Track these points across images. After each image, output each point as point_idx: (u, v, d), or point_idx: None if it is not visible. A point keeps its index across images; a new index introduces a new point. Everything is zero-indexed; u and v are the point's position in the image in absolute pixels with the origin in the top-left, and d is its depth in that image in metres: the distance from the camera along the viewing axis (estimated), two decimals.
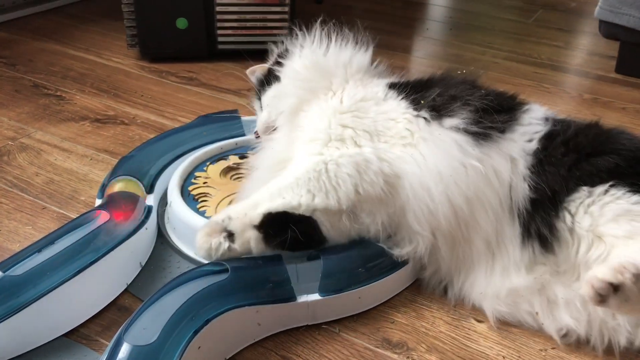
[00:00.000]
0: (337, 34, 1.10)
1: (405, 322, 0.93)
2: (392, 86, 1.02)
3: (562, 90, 1.73)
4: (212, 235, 0.89)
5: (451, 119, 0.93)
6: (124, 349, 0.73)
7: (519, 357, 0.87)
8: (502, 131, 0.92)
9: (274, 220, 0.89)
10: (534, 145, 0.92)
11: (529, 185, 0.89)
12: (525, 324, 0.91)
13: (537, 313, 0.90)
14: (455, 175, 0.89)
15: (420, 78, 1.05)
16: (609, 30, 1.77)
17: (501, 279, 0.91)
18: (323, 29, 1.10)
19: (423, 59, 1.93)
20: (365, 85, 1.03)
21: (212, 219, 0.91)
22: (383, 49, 1.92)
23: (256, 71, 1.20)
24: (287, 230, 0.88)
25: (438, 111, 0.94)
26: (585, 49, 2.08)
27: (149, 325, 0.77)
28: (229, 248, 0.88)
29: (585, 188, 0.86)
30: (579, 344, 0.88)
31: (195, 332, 0.77)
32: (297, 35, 1.12)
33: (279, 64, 1.12)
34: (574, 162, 0.88)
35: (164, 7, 1.69)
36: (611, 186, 0.85)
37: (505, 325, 0.92)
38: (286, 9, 1.76)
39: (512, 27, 2.26)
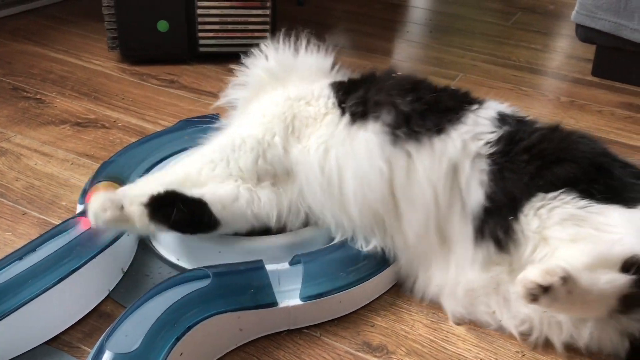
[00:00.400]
0: (302, 41, 1.12)
1: (385, 326, 0.94)
2: (332, 85, 1.06)
3: (540, 93, 1.76)
4: (105, 205, 0.90)
5: (373, 124, 0.96)
6: (106, 357, 0.74)
7: (496, 359, 0.89)
8: (438, 132, 0.94)
9: (162, 199, 0.92)
10: (485, 147, 0.93)
11: (485, 192, 0.91)
12: (485, 323, 0.93)
13: (493, 312, 0.92)
14: (367, 174, 0.93)
15: (359, 77, 1.08)
16: (585, 34, 1.80)
17: (456, 275, 0.93)
18: (289, 36, 1.12)
19: (403, 62, 1.95)
20: (313, 85, 1.07)
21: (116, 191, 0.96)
22: (364, 52, 1.96)
23: None
24: (173, 209, 0.91)
25: (361, 115, 0.98)
26: (563, 51, 2.11)
27: (131, 332, 0.78)
28: (115, 216, 0.90)
29: (540, 194, 0.88)
30: (556, 346, 0.91)
31: (177, 339, 0.78)
32: (265, 44, 1.14)
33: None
34: (536, 169, 0.90)
35: (145, 9, 1.68)
36: (562, 192, 0.87)
37: (482, 327, 0.94)
38: (267, 11, 1.76)
39: (491, 29, 2.29)
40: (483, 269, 0.91)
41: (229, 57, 1.79)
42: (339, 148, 0.97)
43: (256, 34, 1.78)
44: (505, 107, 1.02)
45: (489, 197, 0.90)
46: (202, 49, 1.78)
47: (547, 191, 0.88)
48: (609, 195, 0.87)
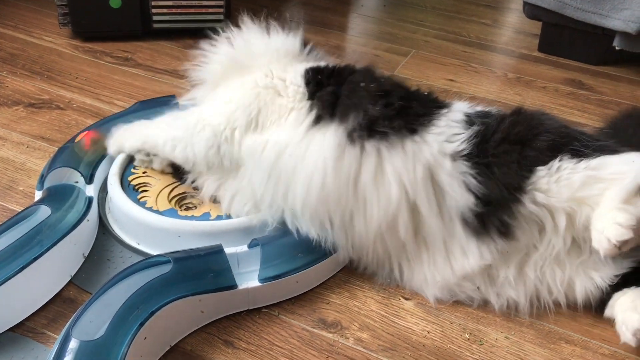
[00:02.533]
0: (268, 22, 1.14)
1: (339, 303, 1.00)
2: (307, 71, 1.06)
3: (489, 70, 1.82)
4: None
5: (337, 126, 0.96)
6: (73, 344, 0.77)
7: (442, 331, 0.96)
8: (410, 133, 0.96)
9: None
10: (460, 147, 0.96)
11: (475, 193, 0.94)
12: (468, 300, 1.00)
13: (478, 287, 0.99)
14: (321, 173, 0.95)
15: (333, 69, 1.07)
16: (532, 11, 1.86)
17: (449, 267, 0.98)
18: (254, 17, 1.14)
19: (358, 38, 1.98)
20: (285, 71, 1.07)
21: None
22: (319, 27, 1.98)
23: None
24: None
25: (328, 116, 0.98)
26: (512, 26, 2.17)
27: (95, 319, 0.81)
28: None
29: (540, 168, 0.94)
30: (495, 315, 0.98)
31: (141, 324, 0.82)
32: (231, 25, 1.16)
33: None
34: (520, 153, 0.95)
35: None
36: (560, 160, 0.94)
37: (429, 302, 1.01)
38: None
39: (443, 3, 2.32)
40: (482, 258, 0.96)
41: (184, 33, 1.80)
42: (295, 147, 0.97)
43: (210, 10, 1.78)
44: (468, 107, 1.05)
45: (482, 196, 0.94)
46: (155, 25, 1.77)
47: (544, 164, 0.94)
48: (591, 151, 0.94)
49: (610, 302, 0.95)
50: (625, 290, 0.94)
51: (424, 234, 0.98)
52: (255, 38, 1.12)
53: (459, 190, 0.95)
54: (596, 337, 0.96)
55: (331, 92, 1.00)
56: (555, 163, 0.94)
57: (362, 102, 0.98)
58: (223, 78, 1.10)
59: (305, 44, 1.14)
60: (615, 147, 0.98)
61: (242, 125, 1.02)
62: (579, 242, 0.96)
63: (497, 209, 0.94)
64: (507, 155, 0.95)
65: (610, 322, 0.95)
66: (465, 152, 0.96)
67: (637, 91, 1.75)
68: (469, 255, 0.97)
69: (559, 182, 0.93)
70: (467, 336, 0.95)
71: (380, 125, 0.96)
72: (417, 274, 1.01)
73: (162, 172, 1.14)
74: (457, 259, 0.98)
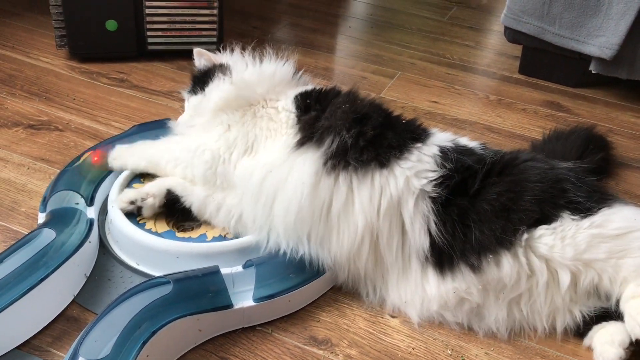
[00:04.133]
0: (262, 51, 1.20)
1: (329, 320, 1.06)
2: (296, 97, 1.13)
3: (471, 92, 1.89)
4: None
5: (314, 150, 1.03)
6: None
7: (426, 347, 1.02)
8: (380, 166, 1.01)
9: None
10: (429, 186, 1.01)
11: (435, 238, 1.00)
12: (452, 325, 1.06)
13: (459, 322, 1.05)
14: (294, 196, 1.01)
15: (321, 93, 1.14)
16: (512, 35, 1.94)
17: (426, 292, 1.03)
18: (249, 48, 1.20)
19: (346, 59, 2.04)
20: (278, 99, 1.14)
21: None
22: (308, 48, 2.04)
23: (203, 56, 1.26)
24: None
25: (308, 139, 1.04)
26: (493, 48, 2.25)
27: (100, 338, 0.86)
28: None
29: (543, 227, 0.98)
30: (476, 332, 1.04)
31: (144, 343, 0.87)
32: (227, 51, 1.22)
33: (210, 77, 1.20)
34: (505, 220, 0.98)
35: (93, 9, 1.71)
36: (561, 220, 0.99)
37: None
38: (215, 11, 1.82)
39: (428, 25, 2.40)
40: (455, 288, 1.01)
41: (177, 55, 1.86)
42: (278, 170, 1.04)
43: (204, 33, 1.84)
44: (447, 140, 1.09)
45: (440, 244, 1.00)
46: (150, 47, 1.83)
47: (548, 223, 0.99)
48: (589, 201, 1.00)
49: (590, 333, 1.02)
50: (604, 323, 1.00)
51: (383, 264, 1.04)
52: (251, 70, 1.18)
53: (418, 231, 1.01)
54: (569, 353, 1.03)
55: (314, 117, 1.07)
56: (557, 223, 0.98)
57: (339, 127, 1.03)
58: (223, 109, 1.14)
59: (297, 70, 1.21)
60: (602, 190, 1.05)
61: (241, 150, 1.10)
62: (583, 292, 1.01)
63: (457, 251, 1.00)
64: (494, 222, 0.99)
65: (590, 349, 1.02)
66: (433, 195, 1.01)
67: (612, 113, 1.84)
68: (430, 284, 1.03)
69: (564, 240, 0.98)
70: (450, 352, 1.01)
71: (352, 157, 1.01)
72: (388, 296, 1.07)
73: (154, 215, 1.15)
74: (411, 287, 1.04)
